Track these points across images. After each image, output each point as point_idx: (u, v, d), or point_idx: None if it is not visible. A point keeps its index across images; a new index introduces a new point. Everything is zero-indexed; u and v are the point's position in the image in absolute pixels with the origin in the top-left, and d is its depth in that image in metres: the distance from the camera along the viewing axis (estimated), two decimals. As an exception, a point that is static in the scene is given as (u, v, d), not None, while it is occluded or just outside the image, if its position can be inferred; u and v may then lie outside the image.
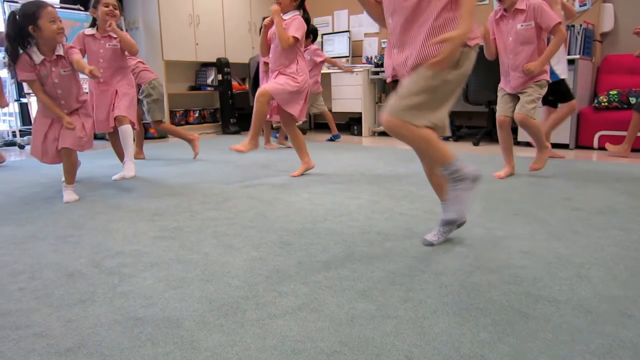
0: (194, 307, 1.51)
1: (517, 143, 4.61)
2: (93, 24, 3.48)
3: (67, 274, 1.80)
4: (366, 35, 6.50)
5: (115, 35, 3.41)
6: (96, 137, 4.79)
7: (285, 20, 3.25)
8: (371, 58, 6.31)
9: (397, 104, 1.78)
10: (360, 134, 6.04)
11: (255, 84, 6.31)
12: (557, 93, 3.84)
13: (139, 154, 4.46)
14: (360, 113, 5.99)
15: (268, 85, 3.29)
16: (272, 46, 3.39)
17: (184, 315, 1.46)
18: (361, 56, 6.55)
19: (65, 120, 2.84)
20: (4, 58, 2.99)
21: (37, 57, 2.76)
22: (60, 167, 3.00)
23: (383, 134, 6.02)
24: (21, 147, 5.44)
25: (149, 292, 1.63)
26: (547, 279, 1.64)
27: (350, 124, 6.25)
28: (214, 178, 3.53)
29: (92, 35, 3.44)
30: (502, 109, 3.28)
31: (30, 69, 2.76)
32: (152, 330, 1.37)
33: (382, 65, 5.81)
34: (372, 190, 2.98)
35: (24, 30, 2.69)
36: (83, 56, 3.23)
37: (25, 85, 5.07)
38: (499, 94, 3.33)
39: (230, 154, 4.65)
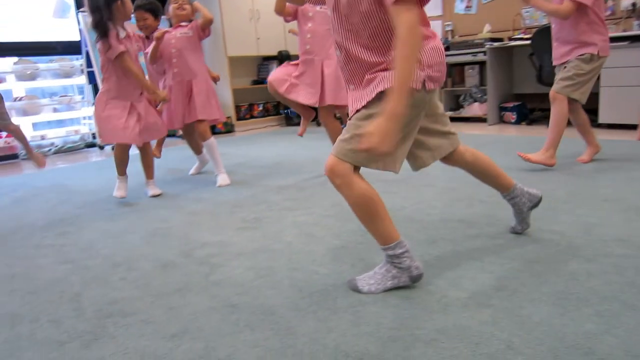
0: (285, 295, 1.54)
1: (598, 125, 4.35)
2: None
3: (161, 265, 1.90)
4: (429, 18, 6.34)
5: (185, 24, 3.23)
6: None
7: None
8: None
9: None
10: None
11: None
12: None
13: (155, 152, 3.94)
14: (425, 99, 5.89)
15: None
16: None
17: (276, 303, 1.50)
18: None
19: (160, 96, 2.92)
20: (94, 36, 2.81)
21: (122, 33, 2.82)
22: (132, 166, 3.11)
23: (450, 119, 5.86)
24: (101, 147, 5.77)
25: (240, 280, 1.69)
26: (651, 266, 1.55)
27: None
28: (285, 169, 3.59)
29: (166, 30, 3.33)
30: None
31: (120, 42, 2.79)
32: (248, 317, 1.42)
33: (447, 49, 5.65)
34: (446, 177, 2.91)
35: (111, 5, 2.73)
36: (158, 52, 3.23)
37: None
38: None
39: (297, 145, 4.70)
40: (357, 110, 1.45)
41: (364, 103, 1.43)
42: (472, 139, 4.31)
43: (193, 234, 2.24)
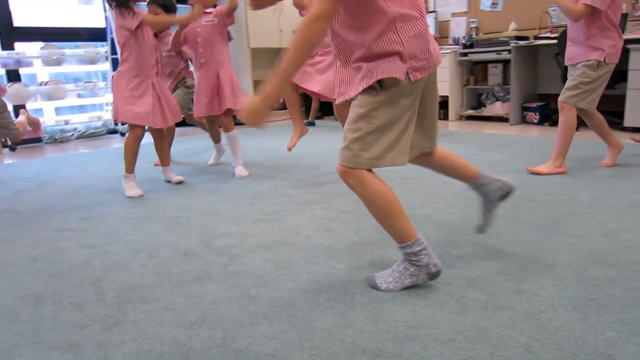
0: (303, 288, 1.55)
1: (623, 128, 4.27)
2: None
3: (181, 253, 1.92)
4: (453, 15, 6.26)
5: (210, 10, 3.16)
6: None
7: None
8: (458, 39, 6.09)
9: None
10: (446, 118, 5.87)
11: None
12: None
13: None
14: (447, 96, 5.82)
15: None
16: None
17: (295, 296, 1.51)
18: (448, 37, 6.34)
19: (194, 11, 2.92)
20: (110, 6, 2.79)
21: (137, 10, 2.80)
22: (143, 159, 3.15)
23: (471, 118, 5.82)
24: (122, 134, 5.84)
25: (259, 272, 1.70)
26: (676, 276, 1.52)
27: (436, 108, 6.10)
28: (304, 162, 3.60)
29: None
30: None
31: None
32: (266, 309, 1.44)
33: (471, 46, 5.59)
34: (466, 177, 2.89)
35: None
36: (183, 42, 3.22)
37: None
38: None
39: (317, 139, 4.70)
40: (348, 102, 1.46)
41: (349, 96, 1.43)
42: (493, 139, 4.27)
43: (212, 224, 2.26)
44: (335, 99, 2.99)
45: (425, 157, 1.63)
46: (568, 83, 2.81)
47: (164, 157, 3.17)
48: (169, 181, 3.18)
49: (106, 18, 5.66)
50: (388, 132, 1.40)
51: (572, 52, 2.84)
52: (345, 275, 1.64)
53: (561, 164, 2.90)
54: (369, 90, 1.38)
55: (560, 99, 2.84)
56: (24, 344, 1.33)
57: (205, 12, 3.15)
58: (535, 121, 5.10)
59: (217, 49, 3.20)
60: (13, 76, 5.35)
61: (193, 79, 3.90)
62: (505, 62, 5.40)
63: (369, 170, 1.45)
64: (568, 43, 2.87)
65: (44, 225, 2.37)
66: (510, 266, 1.65)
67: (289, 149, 3.09)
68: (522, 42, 5.03)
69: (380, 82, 1.37)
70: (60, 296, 1.60)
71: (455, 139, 4.33)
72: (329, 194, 2.68)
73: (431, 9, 6.52)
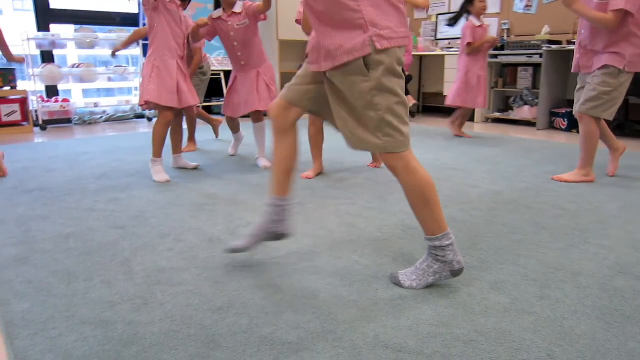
0: (327, 281, 1.58)
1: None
2: (217, 5, 3.24)
3: (207, 239, 1.96)
4: (484, 16, 6.19)
5: (239, 11, 3.07)
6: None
7: None
8: (489, 40, 6.02)
9: None
10: (472, 119, 5.82)
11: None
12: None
13: (190, 146, 3.98)
14: (473, 98, 5.77)
15: None
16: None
17: (318, 288, 1.53)
18: (478, 38, 6.27)
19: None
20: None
21: None
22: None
23: (497, 120, 5.76)
24: (149, 119, 5.93)
25: (283, 262, 1.73)
26: None
27: (462, 108, 6.05)
28: (328, 157, 3.61)
29: (220, 18, 3.15)
30: (576, 104, 2.85)
31: None
32: (291, 299, 1.47)
33: (501, 48, 5.52)
34: (491, 180, 2.88)
35: None
36: (211, 38, 3.22)
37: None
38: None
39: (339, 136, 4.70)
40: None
41: (332, 64, 1.40)
42: (519, 143, 4.23)
43: (237, 213, 2.30)
44: None
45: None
46: (588, 93, 2.70)
47: (178, 144, 3.27)
48: (182, 168, 3.26)
49: (139, 4, 5.75)
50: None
51: (588, 60, 2.74)
52: (368, 271, 1.65)
53: (588, 172, 2.87)
54: (349, 64, 1.38)
55: (580, 110, 2.75)
56: (58, 317, 1.38)
57: (235, 13, 3.08)
58: (564, 127, 5.03)
59: (255, 49, 3.19)
60: (47, 57, 5.48)
61: (208, 63, 4.01)
62: (536, 66, 5.33)
63: (412, 155, 1.46)
64: (580, 50, 2.77)
65: (75, 205, 2.45)
66: (534, 271, 1.65)
67: (302, 177, 3.01)
68: (554, 47, 4.95)
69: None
70: (91, 274, 1.66)
71: (481, 142, 4.30)
72: (352, 189, 2.70)
73: (463, 8, 6.45)
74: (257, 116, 3.29)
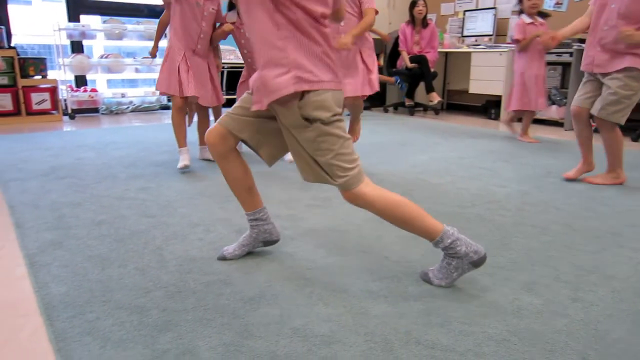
0: (356, 276, 1.59)
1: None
2: (231, 6, 3.20)
3: (236, 230, 1.99)
4: (514, 13, 6.10)
5: None
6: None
7: None
8: (517, 38, 5.93)
9: None
10: (497, 118, 5.75)
11: (392, 60, 6.27)
12: None
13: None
14: (499, 96, 5.70)
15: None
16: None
17: (348, 282, 1.54)
18: (506, 35, 6.19)
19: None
20: None
21: None
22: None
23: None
24: (175, 109, 6.00)
25: (312, 256, 1.74)
26: None
27: (487, 107, 5.98)
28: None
29: (234, 24, 3.14)
30: (578, 97, 2.78)
31: None
32: (321, 292, 1.48)
33: (529, 47, 5.43)
34: (519, 179, 2.84)
35: None
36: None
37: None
38: (584, 79, 2.80)
39: (365, 130, 4.70)
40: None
41: (267, 101, 1.38)
42: (546, 143, 4.17)
43: (266, 205, 2.31)
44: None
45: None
46: (608, 98, 2.59)
47: (202, 135, 3.29)
48: (208, 159, 3.29)
49: (167, -4, 5.80)
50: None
51: (606, 59, 2.61)
52: (397, 267, 1.66)
53: (619, 174, 2.81)
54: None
55: (600, 115, 2.64)
56: (94, 301, 1.41)
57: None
58: (593, 128, 4.93)
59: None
60: (77, 47, 5.57)
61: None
62: (565, 65, 5.23)
63: (367, 185, 1.49)
64: (597, 48, 2.65)
65: (105, 193, 2.49)
66: (566, 274, 1.63)
67: None
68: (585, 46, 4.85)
69: None
70: (125, 260, 1.69)
71: (506, 140, 4.25)
72: (379, 185, 2.68)
73: (491, 5, 6.37)
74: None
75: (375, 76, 2.97)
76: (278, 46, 1.33)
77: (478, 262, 1.49)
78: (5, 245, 1.85)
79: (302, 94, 1.35)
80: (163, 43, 3.48)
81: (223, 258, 1.71)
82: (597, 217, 2.21)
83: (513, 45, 5.60)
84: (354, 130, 3.11)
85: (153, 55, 3.47)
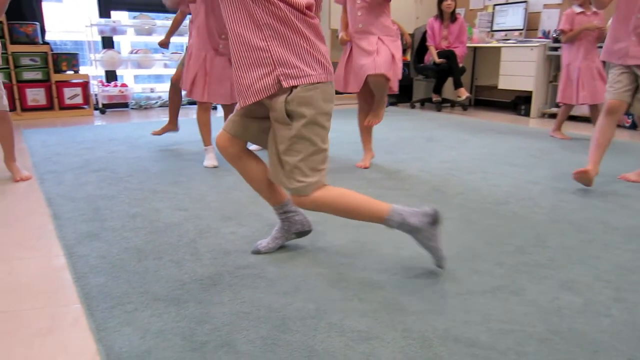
0: (392, 271, 1.57)
1: None
2: None
3: (268, 225, 1.99)
4: (546, 6, 5.96)
5: None
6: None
7: None
8: (549, 32, 5.79)
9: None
10: (527, 114, 5.64)
11: (419, 56, 6.20)
12: None
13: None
14: (530, 92, 5.58)
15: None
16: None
17: (383, 278, 1.53)
18: (537, 30, 6.05)
19: None
20: None
21: None
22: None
23: (553, 116, 5.55)
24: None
25: (346, 250, 1.74)
26: None
27: (517, 103, 5.86)
28: (380, 148, 3.58)
29: None
30: (616, 91, 2.60)
31: None
32: (356, 287, 1.47)
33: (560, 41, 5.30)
34: (552, 176, 2.78)
35: None
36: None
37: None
38: (615, 71, 2.65)
39: (390, 126, 4.66)
40: None
41: (244, 103, 1.44)
42: (578, 140, 4.07)
43: (295, 200, 2.32)
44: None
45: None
46: None
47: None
48: None
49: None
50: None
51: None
52: (431, 264, 1.63)
53: None
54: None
55: None
56: (132, 292, 1.44)
57: None
58: (627, 125, 4.80)
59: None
60: (107, 43, 5.66)
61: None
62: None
63: (320, 189, 1.48)
64: (632, 38, 2.53)
65: (138, 186, 2.53)
66: (607, 273, 1.58)
67: (357, 166, 3.03)
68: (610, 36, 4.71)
69: None
70: (160, 253, 1.72)
71: (536, 137, 4.17)
72: (407, 181, 2.67)
73: (521, -2, 6.24)
74: None
75: (398, 60, 2.89)
76: (260, 47, 1.36)
77: (435, 221, 1.49)
78: (44, 235, 1.90)
79: (291, 89, 1.37)
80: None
81: (257, 252, 1.72)
82: (636, 215, 2.15)
83: (544, 40, 5.48)
84: (377, 114, 3.03)
85: (163, 45, 3.54)
